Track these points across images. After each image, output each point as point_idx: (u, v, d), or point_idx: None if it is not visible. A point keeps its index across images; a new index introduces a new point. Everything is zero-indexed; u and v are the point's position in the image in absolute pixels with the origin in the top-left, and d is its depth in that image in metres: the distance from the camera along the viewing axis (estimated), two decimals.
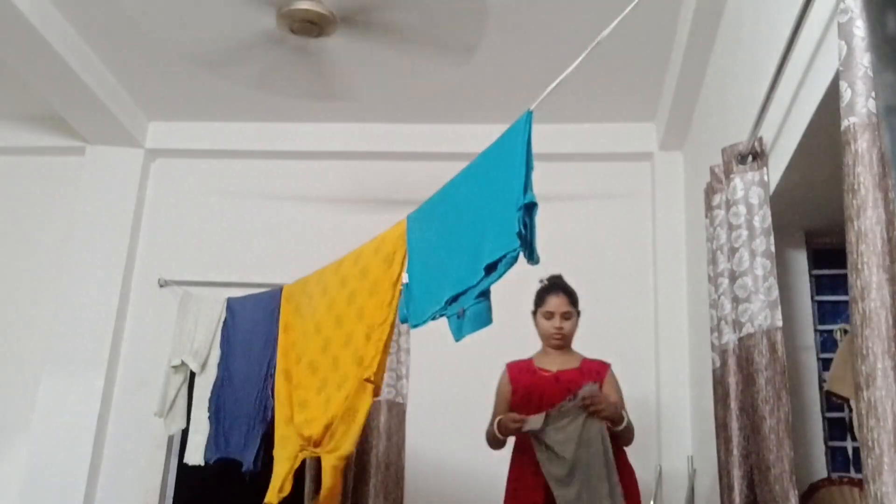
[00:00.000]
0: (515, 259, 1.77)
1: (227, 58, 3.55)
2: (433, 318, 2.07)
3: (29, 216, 4.19)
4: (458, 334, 1.92)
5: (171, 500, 3.79)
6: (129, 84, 3.89)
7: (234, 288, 3.56)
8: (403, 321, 2.26)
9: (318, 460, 2.88)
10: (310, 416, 2.55)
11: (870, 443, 1.26)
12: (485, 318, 1.87)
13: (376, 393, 2.41)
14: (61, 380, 3.77)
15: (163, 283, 3.97)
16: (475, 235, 1.93)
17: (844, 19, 1.45)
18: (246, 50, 3.46)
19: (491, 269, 1.82)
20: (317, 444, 2.50)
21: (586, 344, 2.89)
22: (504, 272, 1.81)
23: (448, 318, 1.97)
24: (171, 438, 3.78)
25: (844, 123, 1.40)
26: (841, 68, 1.43)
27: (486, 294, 1.87)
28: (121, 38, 3.51)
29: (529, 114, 1.81)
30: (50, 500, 3.61)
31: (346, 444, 2.40)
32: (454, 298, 1.96)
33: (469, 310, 1.88)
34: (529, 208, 1.71)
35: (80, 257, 3.97)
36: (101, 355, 3.82)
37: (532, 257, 1.74)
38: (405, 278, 2.27)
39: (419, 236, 2.30)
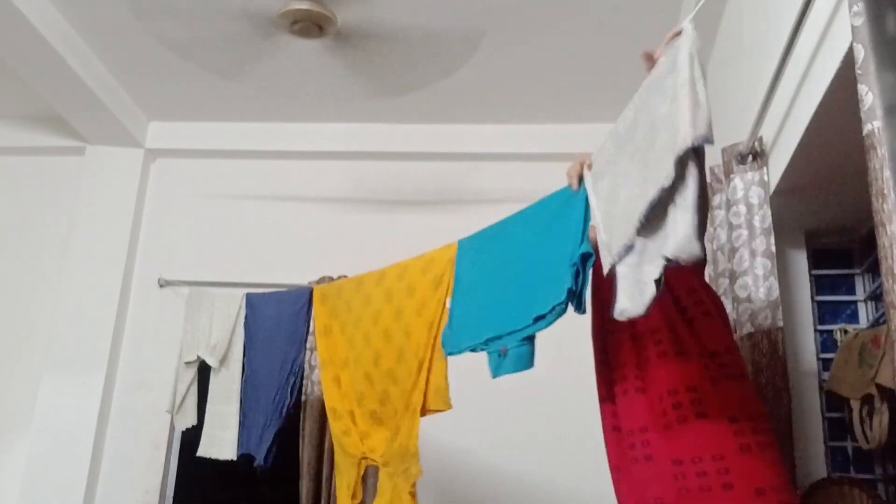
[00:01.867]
0: (564, 311, 1.81)
1: (226, 58, 3.55)
2: (471, 351, 2.10)
3: (29, 216, 4.19)
4: (497, 372, 1.96)
5: (171, 500, 3.79)
6: (129, 84, 3.88)
7: (234, 288, 3.55)
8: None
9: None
10: (376, 427, 2.56)
11: None
12: (527, 361, 1.90)
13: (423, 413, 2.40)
14: (61, 380, 3.77)
15: (163, 283, 3.96)
16: (527, 283, 1.96)
17: (859, 22, 1.44)
18: (246, 50, 3.46)
19: (539, 318, 1.86)
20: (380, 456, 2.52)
21: (583, 342, 2.87)
22: (552, 321, 1.85)
23: (489, 354, 1.99)
24: (170, 438, 3.78)
25: (867, 128, 1.38)
26: (859, 72, 1.42)
27: (531, 338, 1.89)
28: (121, 38, 3.51)
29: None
30: (50, 500, 3.61)
31: (404, 461, 2.39)
32: (496, 338, 1.98)
33: (512, 350, 1.91)
34: (584, 258, 1.75)
35: (80, 257, 3.97)
36: (101, 355, 3.81)
37: (580, 308, 1.78)
38: (447, 303, 2.28)
39: (468, 266, 2.29)
